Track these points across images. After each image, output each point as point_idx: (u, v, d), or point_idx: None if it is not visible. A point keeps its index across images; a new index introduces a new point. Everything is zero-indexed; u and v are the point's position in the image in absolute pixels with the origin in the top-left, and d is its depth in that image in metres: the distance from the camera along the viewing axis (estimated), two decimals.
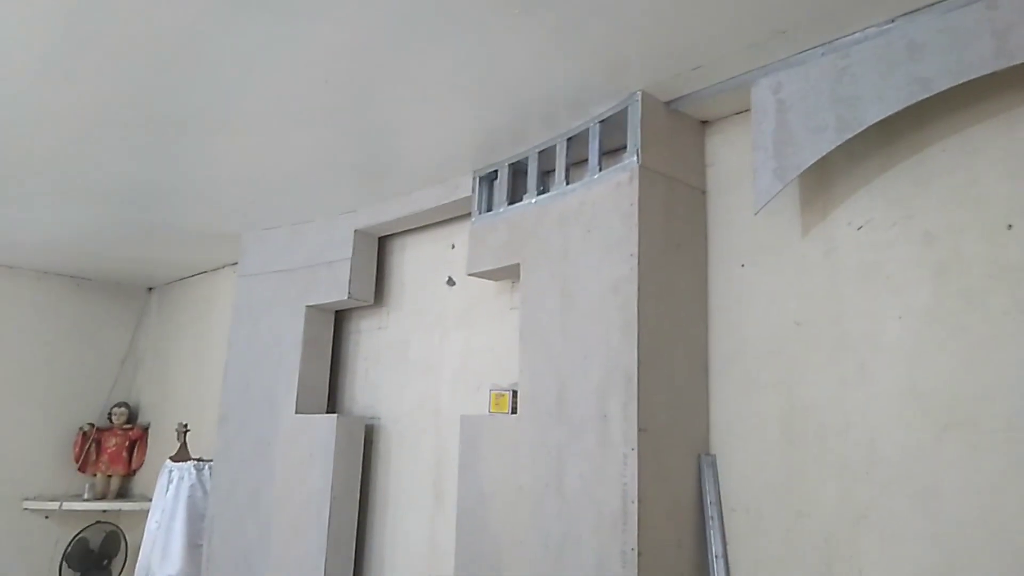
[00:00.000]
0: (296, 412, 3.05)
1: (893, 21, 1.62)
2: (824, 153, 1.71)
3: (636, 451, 1.82)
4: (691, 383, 1.98)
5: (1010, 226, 1.54)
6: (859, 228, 1.77)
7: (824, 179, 1.86)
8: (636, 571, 1.76)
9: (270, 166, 2.68)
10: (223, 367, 3.41)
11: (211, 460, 3.42)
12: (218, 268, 4.18)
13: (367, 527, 2.94)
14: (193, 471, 3.50)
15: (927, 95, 1.56)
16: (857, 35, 1.68)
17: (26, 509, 4.19)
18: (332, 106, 2.18)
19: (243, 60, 1.92)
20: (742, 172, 2.01)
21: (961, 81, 1.52)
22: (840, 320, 1.77)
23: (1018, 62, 1.45)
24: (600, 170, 2.11)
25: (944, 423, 1.57)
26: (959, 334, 1.57)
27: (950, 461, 1.55)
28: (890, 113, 1.61)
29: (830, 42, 1.72)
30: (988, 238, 1.56)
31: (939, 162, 1.66)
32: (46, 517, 4.24)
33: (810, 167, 1.75)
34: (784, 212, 1.92)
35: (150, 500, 3.67)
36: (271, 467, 3.06)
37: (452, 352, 2.79)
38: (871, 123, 1.64)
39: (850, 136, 1.67)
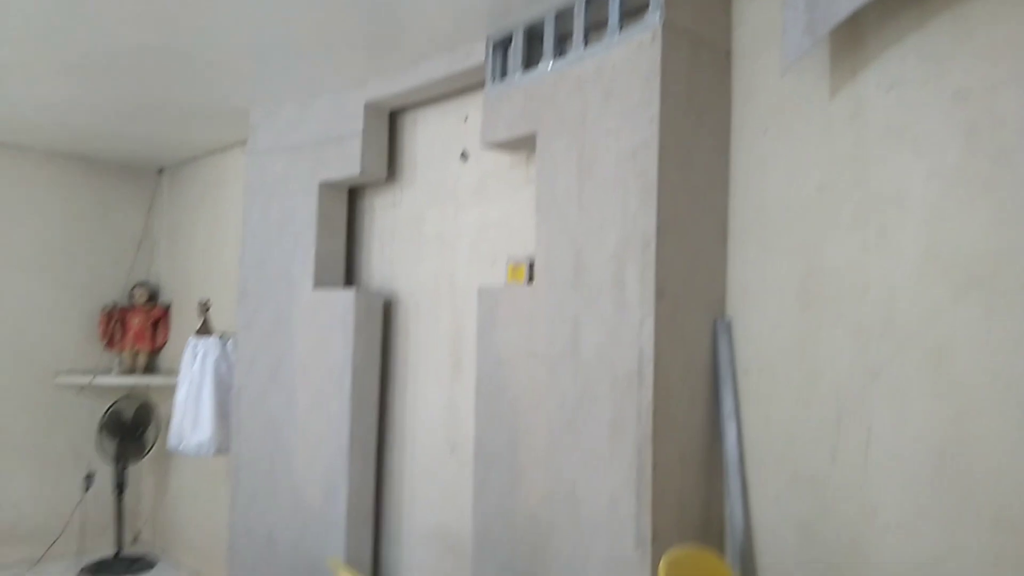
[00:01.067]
0: (314, 287, 3.10)
1: None
2: (858, 6, 1.63)
3: (653, 315, 1.85)
4: (709, 249, 1.99)
5: None
6: (889, 88, 1.72)
7: (854, 37, 1.78)
8: (651, 427, 1.83)
9: (274, 34, 2.58)
10: (239, 245, 3.44)
11: (233, 335, 3.51)
12: (228, 147, 4.13)
13: (389, 396, 3.05)
14: (217, 345, 3.61)
15: None
16: None
17: (59, 384, 4.36)
18: None
19: None
20: (769, 33, 1.93)
21: None
22: (864, 184, 1.74)
23: None
24: (620, 31, 2.03)
25: (963, 283, 1.58)
26: (987, 194, 1.55)
27: (966, 320, 1.57)
28: None
29: None
30: (1021, 95, 1.51)
31: (980, 15, 1.58)
32: (79, 391, 4.41)
33: (840, 24, 1.68)
34: (810, 74, 1.86)
35: (176, 375, 3.81)
36: (292, 341, 3.14)
37: (467, 226, 2.79)
38: None
39: None
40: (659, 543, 1.81)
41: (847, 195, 1.77)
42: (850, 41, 1.79)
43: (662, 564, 1.49)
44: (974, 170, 1.57)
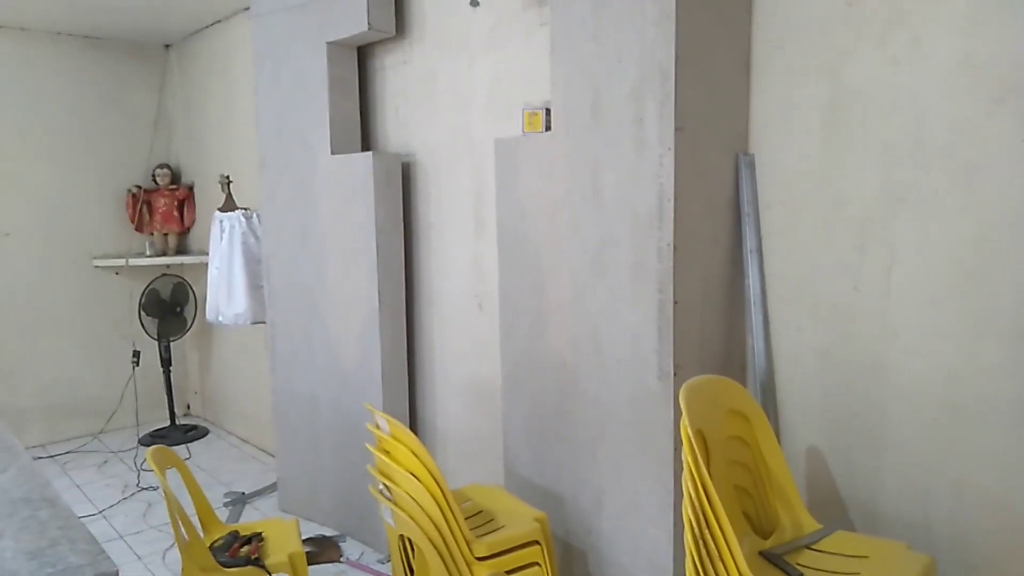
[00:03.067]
0: (332, 153, 3.07)
1: None
2: None
3: (672, 151, 1.81)
4: (731, 79, 1.91)
5: None
6: None
7: None
8: (672, 264, 1.84)
9: None
10: (254, 117, 3.39)
11: (257, 210, 3.54)
12: (232, 15, 3.99)
13: (413, 255, 3.08)
14: (243, 219, 3.65)
15: None
16: None
17: (96, 267, 4.48)
18: None
19: None
20: None
21: None
22: None
23: None
24: None
25: (998, 94, 1.50)
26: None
27: (999, 133, 1.51)
28: None
29: None
30: None
31: None
32: (116, 273, 4.54)
33: None
34: None
35: (207, 253, 3.88)
36: (315, 208, 3.15)
37: (481, 78, 2.70)
38: None
39: None
40: (681, 375, 1.86)
41: (876, 9, 1.66)
42: None
43: (682, 390, 1.53)
44: None
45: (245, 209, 3.71)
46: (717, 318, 1.97)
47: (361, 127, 3.20)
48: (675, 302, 1.86)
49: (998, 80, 1.49)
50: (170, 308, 4.40)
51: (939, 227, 1.61)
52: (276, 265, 3.36)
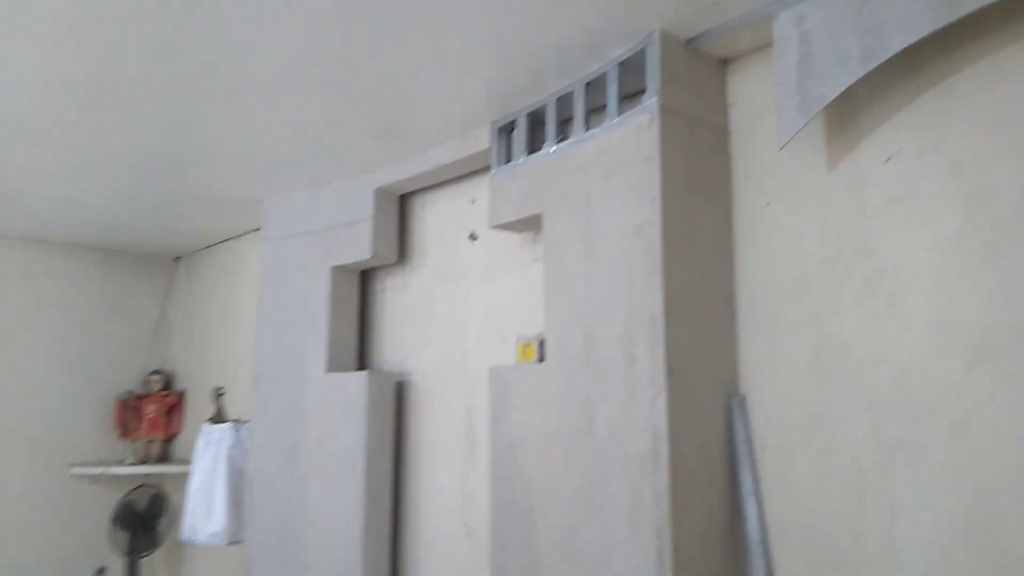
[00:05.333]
0: (327, 371, 3.11)
1: None
2: (848, 85, 1.67)
3: (665, 393, 1.83)
4: (718, 324, 1.99)
5: None
6: (886, 160, 1.74)
7: (849, 112, 1.82)
8: (668, 509, 1.79)
9: (285, 128, 2.68)
10: (253, 331, 3.47)
11: (247, 421, 3.50)
12: (242, 235, 4.22)
13: (402, 480, 3.01)
14: (231, 432, 3.60)
15: (954, 18, 1.51)
16: None
17: (74, 475, 4.34)
18: (341, 64, 2.17)
19: (247, 22, 1.91)
20: (765, 110, 1.98)
21: (989, 1, 1.47)
22: (869, 255, 1.75)
23: None
24: (619, 114, 2.08)
25: (975, 356, 1.56)
26: (990, 264, 1.55)
27: (981, 393, 1.54)
28: (917, 39, 1.57)
29: None
30: (1017, 165, 1.53)
31: (968, 87, 1.62)
32: (93, 482, 4.39)
33: (834, 100, 1.72)
34: (809, 148, 1.89)
35: (190, 463, 3.78)
36: (305, 425, 3.13)
37: (477, 306, 2.81)
38: (897, 51, 1.60)
39: (875, 66, 1.63)
40: None
41: (852, 267, 1.78)
42: (845, 116, 1.83)
43: None
44: (976, 241, 1.57)
45: (235, 421, 3.67)
46: (718, 565, 1.89)
47: (359, 346, 3.27)
48: (675, 549, 1.79)
49: (973, 342, 1.56)
50: (144, 521, 4.20)
51: (937, 482, 1.59)
52: (260, 482, 3.27)
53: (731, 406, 1.95)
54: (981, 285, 1.56)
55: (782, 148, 1.80)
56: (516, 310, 2.63)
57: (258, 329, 3.43)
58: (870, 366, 1.72)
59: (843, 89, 1.68)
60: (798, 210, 1.90)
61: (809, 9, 1.75)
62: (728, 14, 1.89)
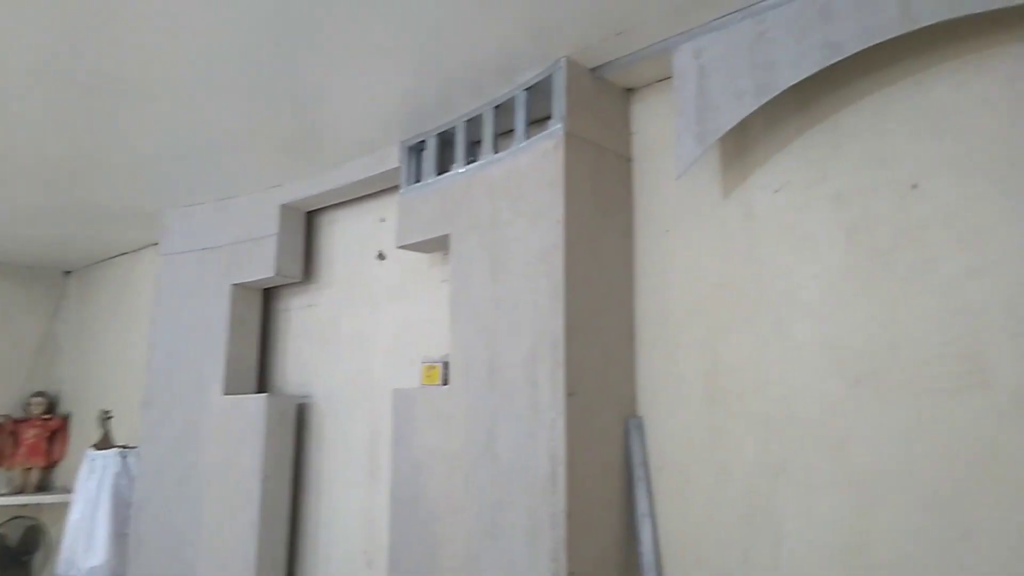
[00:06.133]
0: (224, 393, 2.97)
1: None
2: (742, 117, 1.74)
3: (564, 416, 1.84)
4: (618, 347, 2.01)
5: (915, 186, 1.60)
6: (776, 191, 1.82)
7: (743, 143, 1.90)
8: (565, 532, 1.78)
9: (189, 138, 2.58)
10: (146, 351, 3.29)
11: (135, 447, 3.30)
12: (139, 249, 4.02)
13: (301, 506, 2.89)
14: (118, 459, 3.38)
15: (838, 58, 1.60)
16: (772, 0, 1.71)
17: None
18: (252, 72, 2.11)
19: (155, 22, 1.83)
20: (666, 138, 2.03)
21: (869, 44, 1.56)
22: (759, 281, 1.81)
23: (921, 26, 1.50)
24: (527, 138, 2.10)
25: (855, 376, 1.63)
26: (869, 291, 1.63)
27: (861, 413, 1.61)
28: (804, 77, 1.65)
29: (748, 7, 1.75)
30: (895, 198, 1.62)
31: (851, 124, 1.72)
32: None
33: (730, 131, 1.79)
34: (705, 177, 1.96)
35: (72, 492, 3.53)
36: (199, 451, 2.97)
37: (384, 327, 2.75)
38: (786, 87, 1.68)
39: (767, 100, 1.71)
40: None
41: (745, 291, 1.84)
42: (739, 147, 1.91)
43: None
44: (857, 269, 1.65)
45: (122, 447, 3.45)
46: None
47: (259, 367, 3.15)
48: (570, 573, 1.78)
49: (855, 364, 1.63)
50: (15, 557, 3.88)
51: (820, 502, 1.65)
52: (147, 512, 3.07)
53: (629, 428, 1.97)
54: (861, 311, 1.64)
55: (680, 177, 1.85)
56: (424, 331, 2.59)
57: (152, 349, 3.26)
58: (759, 389, 1.78)
59: (738, 121, 1.75)
60: (695, 237, 1.96)
61: (707, 43, 1.82)
62: (632, 45, 1.95)
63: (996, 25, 1.51)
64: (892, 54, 1.64)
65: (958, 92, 1.56)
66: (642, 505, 1.91)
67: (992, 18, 1.49)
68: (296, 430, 2.92)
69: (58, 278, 4.59)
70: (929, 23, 1.49)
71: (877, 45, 1.56)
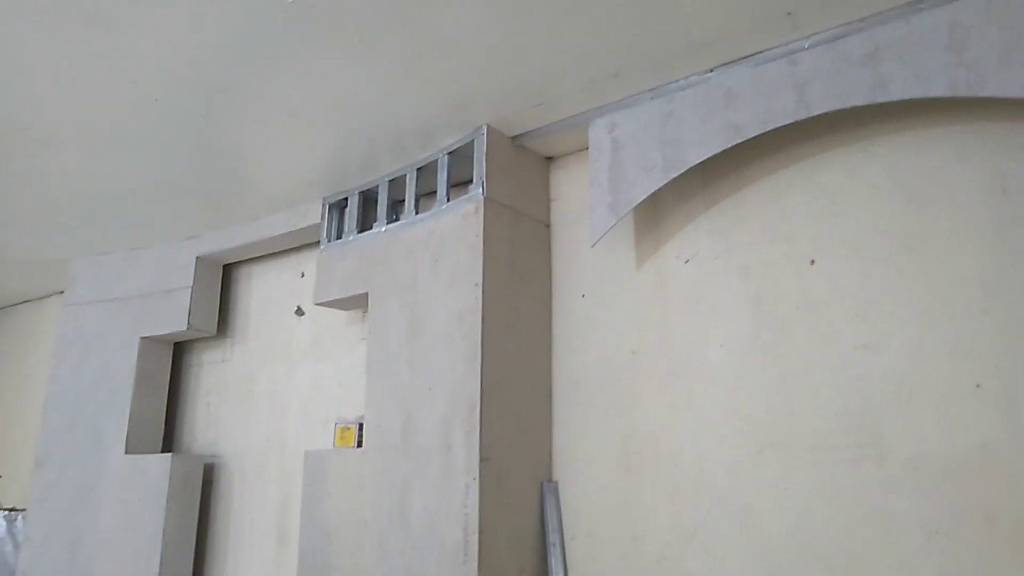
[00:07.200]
0: (126, 452, 2.82)
1: (712, 71, 1.76)
2: (653, 190, 1.81)
3: (478, 480, 1.82)
4: (534, 411, 2.01)
5: (813, 261, 1.69)
6: (686, 261, 1.89)
7: (656, 215, 1.97)
8: None
9: (98, 186, 2.49)
10: (43, 406, 3.09)
11: (24, 510, 3.08)
12: (44, 297, 3.82)
13: (205, 573, 2.74)
14: (2, 522, 3.14)
15: (741, 140, 1.69)
16: (681, 81, 1.80)
17: None
18: (165, 125, 2.07)
19: (60, 71, 1.78)
20: (583, 207, 2.08)
21: (769, 128, 1.66)
22: (671, 348, 1.86)
23: (816, 113, 1.60)
24: (448, 200, 2.12)
25: (761, 445, 1.68)
26: (773, 361, 1.70)
27: (766, 481, 1.66)
28: (709, 155, 1.74)
29: (658, 87, 1.84)
30: (795, 272, 1.71)
31: (754, 202, 1.80)
32: None
33: (642, 203, 1.85)
34: (620, 246, 2.01)
35: None
36: (95, 513, 2.79)
37: (300, 385, 2.68)
38: (693, 164, 1.76)
39: (675, 175, 1.78)
40: None
41: (657, 358, 1.88)
42: (652, 218, 1.97)
43: None
44: (761, 340, 1.72)
45: (10, 510, 3.21)
46: None
47: (166, 424, 3.00)
48: None
49: (760, 433, 1.68)
50: None
51: (727, 568, 1.67)
52: None
53: (544, 494, 1.96)
54: (764, 381, 1.70)
55: (594, 245, 1.90)
56: (340, 390, 2.53)
57: (48, 403, 3.07)
58: (671, 455, 1.80)
59: (649, 194, 1.82)
60: (609, 303, 2.00)
61: (620, 118, 1.90)
62: (550, 116, 2.01)
63: (880, 116, 1.63)
64: (790, 138, 1.74)
65: (850, 177, 1.67)
66: (557, 573, 1.89)
67: (877, 110, 1.61)
68: (202, 492, 2.78)
69: None
70: (822, 111, 1.59)
71: (776, 130, 1.66)
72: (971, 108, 1.52)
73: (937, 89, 1.45)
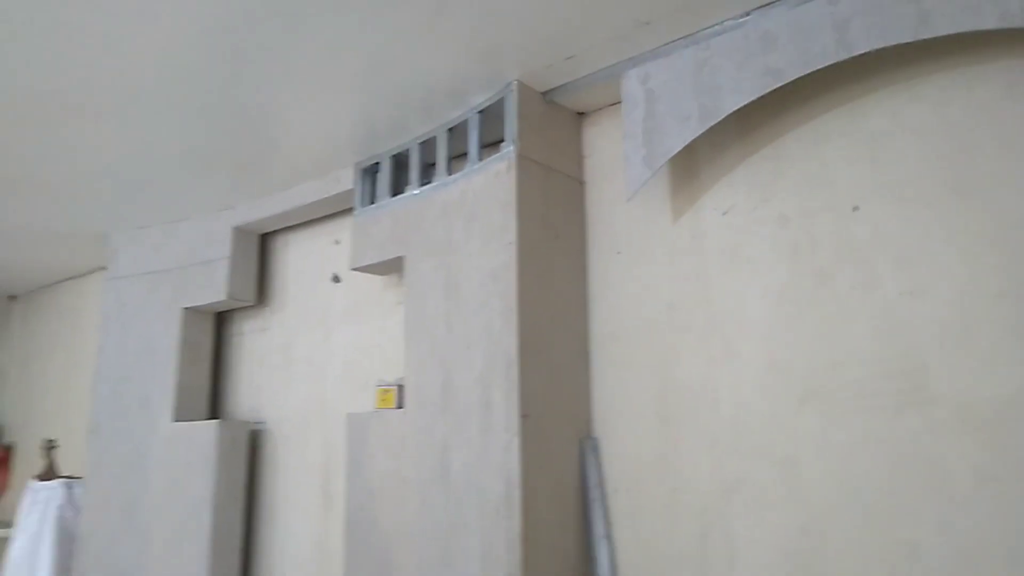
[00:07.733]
0: (174, 420, 2.90)
1: (748, 14, 1.71)
2: (688, 141, 1.78)
3: (518, 437, 1.83)
4: (572, 368, 2.02)
5: (856, 208, 1.65)
6: (724, 213, 1.86)
7: (691, 167, 1.94)
8: (520, 556, 1.77)
9: (136, 158, 2.53)
10: (93, 378, 3.19)
11: (81, 477, 3.19)
12: (87, 273, 3.92)
13: (254, 534, 2.82)
14: (62, 490, 3.26)
15: (779, 84, 1.65)
16: (716, 27, 1.75)
17: None
18: (202, 92, 2.08)
19: (96, 40, 1.80)
20: (616, 162, 2.06)
21: (808, 71, 1.61)
22: (708, 302, 1.84)
23: (857, 53, 1.55)
24: (480, 160, 2.11)
25: (801, 395, 1.66)
26: (811, 310, 1.67)
27: (808, 431, 1.64)
28: (746, 102, 1.70)
29: (692, 34, 1.79)
30: (836, 220, 1.67)
31: (792, 149, 1.76)
32: None
33: (677, 155, 1.82)
34: (655, 200, 1.99)
35: (12, 526, 3.38)
36: (148, 479, 2.89)
37: (339, 350, 2.72)
38: (729, 112, 1.72)
39: (711, 124, 1.75)
40: None
41: (693, 312, 1.86)
42: (688, 171, 1.94)
43: None
44: (799, 289, 1.69)
45: (68, 477, 3.33)
46: None
47: (211, 393, 3.08)
48: None
49: (800, 382, 1.66)
50: None
51: (769, 516, 1.67)
52: (93, 545, 2.97)
53: (584, 450, 1.98)
54: (804, 330, 1.68)
55: (630, 199, 1.88)
56: (379, 354, 2.57)
57: (98, 375, 3.16)
58: (709, 407, 1.80)
59: (684, 145, 1.79)
60: (646, 258, 1.98)
61: (654, 69, 1.86)
62: (582, 70, 1.98)
63: (925, 54, 1.57)
64: (830, 82, 1.69)
65: (892, 119, 1.62)
66: (598, 527, 1.90)
67: (921, 47, 1.55)
68: (249, 457, 2.86)
69: (3, 303, 4.44)
70: (863, 51, 1.54)
71: (815, 73, 1.61)
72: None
73: (987, 21, 1.39)
